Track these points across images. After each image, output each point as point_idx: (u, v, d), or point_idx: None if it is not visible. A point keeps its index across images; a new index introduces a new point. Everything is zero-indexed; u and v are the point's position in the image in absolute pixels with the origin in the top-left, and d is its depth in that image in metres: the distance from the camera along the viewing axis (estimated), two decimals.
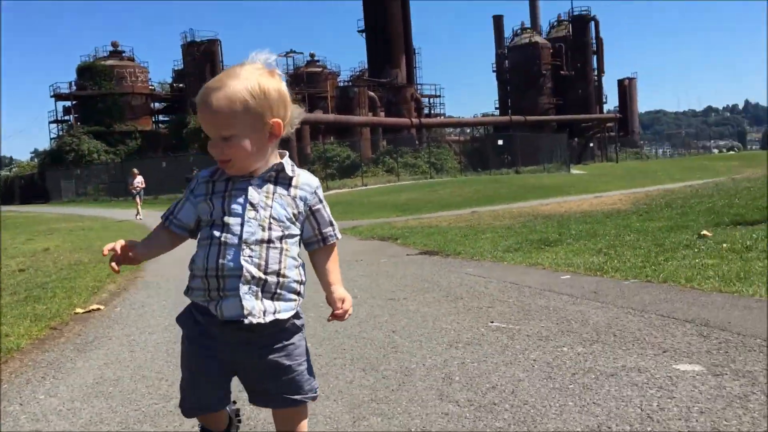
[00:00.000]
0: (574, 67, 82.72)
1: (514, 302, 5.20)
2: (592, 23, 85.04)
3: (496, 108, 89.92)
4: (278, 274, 1.96)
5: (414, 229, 12.80)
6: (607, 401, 2.87)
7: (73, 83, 65.95)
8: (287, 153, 2.08)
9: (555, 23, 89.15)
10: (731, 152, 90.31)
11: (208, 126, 1.94)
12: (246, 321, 1.93)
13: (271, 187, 2.00)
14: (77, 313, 5.95)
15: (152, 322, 5.43)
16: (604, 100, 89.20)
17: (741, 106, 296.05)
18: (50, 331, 5.25)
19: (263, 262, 1.93)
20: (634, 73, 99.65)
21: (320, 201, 2.09)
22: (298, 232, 2.04)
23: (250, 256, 1.92)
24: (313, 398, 2.09)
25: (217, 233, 1.95)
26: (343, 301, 2.10)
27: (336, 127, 56.30)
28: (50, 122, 68.84)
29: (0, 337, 4.87)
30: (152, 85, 70.17)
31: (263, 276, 1.93)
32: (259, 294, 1.94)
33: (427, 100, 74.69)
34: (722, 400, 2.78)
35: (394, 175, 45.66)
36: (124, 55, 67.94)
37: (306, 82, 68.08)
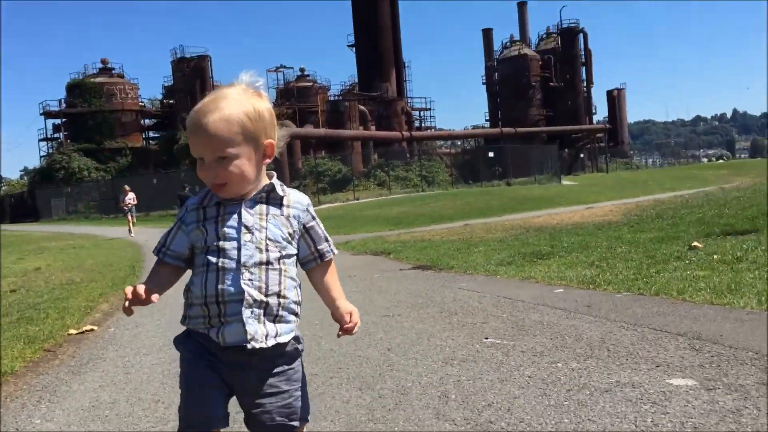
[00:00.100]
0: (564, 79, 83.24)
1: (508, 317, 5.23)
2: (581, 35, 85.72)
3: (486, 120, 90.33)
4: (279, 295, 1.94)
5: (407, 243, 12.82)
6: (602, 417, 2.89)
7: (62, 101, 65.90)
8: (275, 173, 2.07)
9: (544, 35, 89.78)
10: (720, 161, 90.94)
11: (202, 148, 1.91)
12: (249, 346, 1.91)
13: (263, 208, 1.98)
14: (71, 335, 5.94)
15: (147, 343, 5.43)
16: (594, 111, 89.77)
17: (729, 114, 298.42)
18: (44, 353, 5.23)
19: (264, 285, 1.92)
20: (623, 84, 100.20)
21: (313, 218, 2.08)
22: (294, 251, 2.02)
23: (250, 280, 1.90)
24: (307, 422, 2.09)
25: (213, 259, 1.92)
26: (351, 315, 2.09)
27: (327, 142, 56.40)
28: (40, 140, 68.76)
29: None
30: (142, 102, 70.18)
31: (264, 299, 1.92)
32: (261, 317, 1.92)
33: (417, 113, 74.94)
34: (715, 414, 2.81)
35: (386, 188, 45.74)
36: (113, 72, 67.96)
37: (296, 96, 68.33)
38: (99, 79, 65.57)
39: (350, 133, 55.12)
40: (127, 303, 1.94)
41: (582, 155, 77.47)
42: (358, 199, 39.02)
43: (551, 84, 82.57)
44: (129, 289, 1.93)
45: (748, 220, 9.87)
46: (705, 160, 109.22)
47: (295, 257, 2.03)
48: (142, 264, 12.40)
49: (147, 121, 72.15)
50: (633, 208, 16.64)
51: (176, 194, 28.98)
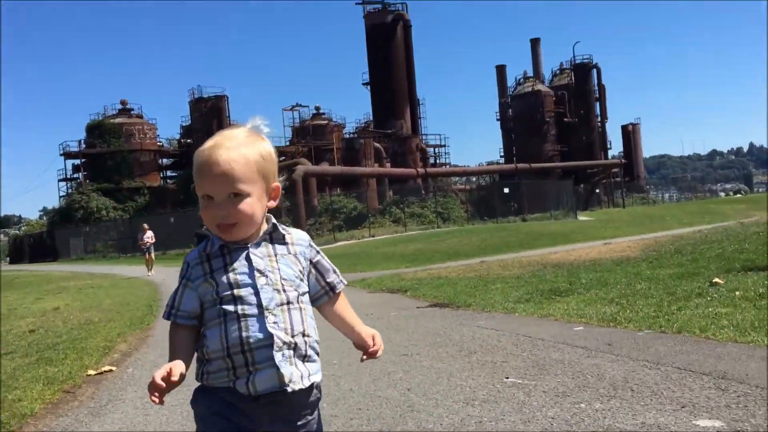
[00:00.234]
0: (578, 114, 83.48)
1: (528, 356, 5.17)
2: (594, 71, 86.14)
3: (500, 156, 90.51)
4: (303, 334, 1.91)
5: (423, 281, 12.78)
6: None
7: (82, 141, 66.94)
8: (272, 216, 2.03)
9: (557, 71, 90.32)
10: (738, 195, 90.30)
11: (215, 184, 1.87)
12: (289, 389, 1.86)
13: (270, 248, 1.96)
14: (89, 375, 5.94)
15: None
16: (609, 146, 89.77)
17: (746, 148, 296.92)
18: (63, 394, 5.24)
19: (289, 326, 1.88)
20: (638, 119, 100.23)
21: (318, 252, 2.06)
22: (307, 289, 2.00)
23: (275, 322, 1.86)
24: None
25: (230, 308, 1.86)
26: (373, 338, 2.06)
27: (342, 179, 56.69)
28: (60, 180, 69.70)
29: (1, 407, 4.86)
30: (160, 142, 71.09)
31: (292, 339, 1.88)
32: (292, 358, 1.88)
33: (432, 149, 75.33)
34: None
35: (401, 225, 45.73)
36: (132, 112, 69.03)
37: (312, 134, 68.99)
38: (118, 120, 66.62)
39: (365, 170, 55.41)
40: (156, 397, 1.86)
41: (598, 190, 77.22)
42: (373, 236, 39.02)
43: (565, 119, 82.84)
44: (159, 376, 1.83)
45: None
46: (722, 194, 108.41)
47: (308, 294, 2.00)
48: (159, 303, 12.43)
49: (165, 160, 73.01)
50: (651, 244, 16.50)
51: (193, 232, 29.13)
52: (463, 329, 6.83)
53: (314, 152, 63.66)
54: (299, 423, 1.93)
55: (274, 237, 1.98)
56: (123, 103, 69.01)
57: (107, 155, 64.40)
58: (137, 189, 64.74)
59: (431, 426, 3.60)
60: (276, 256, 1.95)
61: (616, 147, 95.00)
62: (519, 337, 6.01)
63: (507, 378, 4.52)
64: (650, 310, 6.57)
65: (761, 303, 6.18)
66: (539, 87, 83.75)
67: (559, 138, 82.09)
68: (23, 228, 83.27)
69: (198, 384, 1.96)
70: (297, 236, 2.03)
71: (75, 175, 68.94)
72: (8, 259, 77.06)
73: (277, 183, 2.00)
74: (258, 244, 1.94)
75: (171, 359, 1.92)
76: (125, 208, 62.06)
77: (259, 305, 1.87)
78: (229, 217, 1.88)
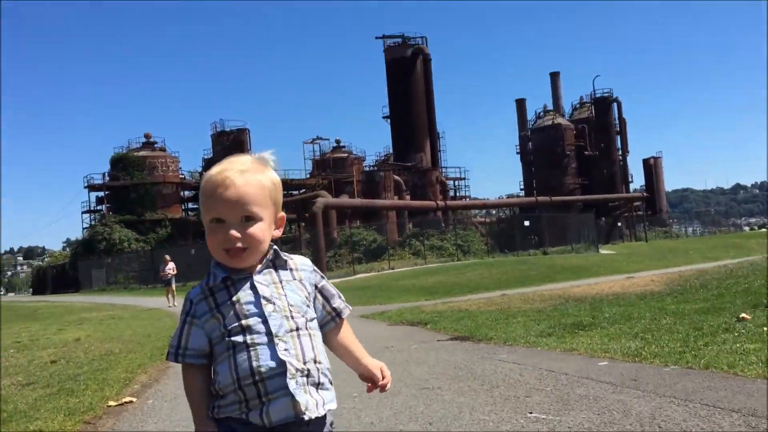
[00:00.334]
0: (598, 148, 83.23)
1: (551, 391, 5.09)
2: (615, 104, 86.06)
3: (521, 189, 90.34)
4: (315, 361, 1.86)
5: (443, 314, 12.69)
6: None
7: (106, 174, 67.90)
8: (273, 244, 1.98)
9: (577, 105, 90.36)
10: (763, 229, 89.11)
11: (228, 207, 1.84)
12: (306, 417, 1.80)
13: (274, 275, 1.92)
14: (110, 406, 5.93)
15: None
16: (630, 180, 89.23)
17: None
18: (84, 425, 5.23)
19: (300, 352, 1.84)
20: (659, 152, 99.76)
21: (322, 277, 2.03)
22: (314, 315, 1.96)
23: (286, 350, 1.82)
24: None
25: (239, 339, 1.82)
26: (381, 370, 2.03)
27: (362, 211, 56.83)
28: (83, 212, 70.57)
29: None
30: (182, 174, 71.87)
31: (304, 366, 1.83)
32: (306, 386, 1.83)
33: (452, 182, 75.37)
34: None
35: (421, 257, 45.57)
36: (156, 146, 70.01)
37: (332, 167, 69.38)
38: (142, 153, 67.59)
39: (385, 202, 55.50)
40: None
41: (619, 224, 76.61)
42: (393, 269, 38.91)
43: (586, 153, 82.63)
44: None
45: None
46: (747, 228, 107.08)
47: (315, 320, 1.96)
48: None
49: (187, 192, 73.68)
50: (675, 278, 16.29)
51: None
52: (484, 363, 6.75)
53: (334, 185, 63.97)
54: None
55: (277, 263, 1.94)
56: (147, 136, 70.08)
57: (130, 188, 65.24)
58: (159, 221, 65.33)
59: None
60: (281, 282, 1.91)
61: (637, 180, 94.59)
62: (542, 372, 5.92)
63: (531, 413, 4.44)
64: (676, 345, 6.46)
65: None
66: (559, 120, 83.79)
67: (579, 171, 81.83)
68: (46, 259, 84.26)
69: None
70: (300, 262, 2.00)
71: (98, 207, 69.79)
72: (31, 290, 77.90)
73: (283, 213, 1.99)
74: (261, 272, 1.91)
75: (194, 411, 1.89)
76: (147, 239, 62.59)
77: (269, 333, 1.83)
78: (240, 240, 1.84)
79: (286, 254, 1.99)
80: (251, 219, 1.86)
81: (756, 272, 14.03)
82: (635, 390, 4.83)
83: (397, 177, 59.93)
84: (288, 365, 1.81)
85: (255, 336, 1.82)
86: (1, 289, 79.94)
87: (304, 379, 1.83)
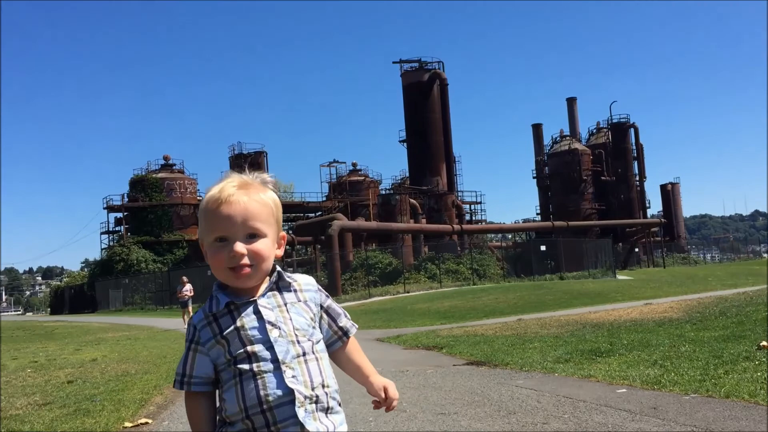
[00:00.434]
0: (615, 173, 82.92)
1: (570, 418, 5.03)
2: (632, 130, 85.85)
3: (537, 213, 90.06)
4: (323, 385, 1.83)
5: (459, 338, 12.62)
6: None
7: (125, 195, 68.62)
8: (276, 265, 1.96)
9: (594, 130, 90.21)
10: None
11: (232, 224, 1.81)
12: None
13: (278, 298, 1.88)
14: (126, 428, 5.94)
15: None
16: (648, 205, 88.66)
17: None
18: None
19: (308, 378, 1.80)
20: (677, 178, 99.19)
21: (327, 296, 2.00)
22: (321, 335, 1.93)
23: (294, 376, 1.78)
24: None
25: (245, 366, 1.78)
26: (386, 389, 2.00)
27: (378, 234, 56.87)
28: (102, 233, 71.23)
29: None
30: (200, 196, 72.39)
31: (312, 392, 1.79)
32: (315, 413, 1.79)
33: (468, 206, 75.30)
34: None
35: (437, 281, 45.43)
36: (174, 168, 70.77)
37: (348, 190, 69.66)
38: (161, 175, 68.32)
39: (401, 226, 55.50)
40: None
41: (637, 249, 76.01)
42: (408, 292, 38.78)
43: (603, 178, 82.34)
44: None
45: None
46: (766, 255, 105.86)
47: (322, 341, 1.93)
48: None
49: None
50: (694, 305, 16.11)
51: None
52: (501, 388, 6.69)
53: (350, 208, 64.18)
54: None
55: (281, 285, 1.91)
56: (166, 158, 70.86)
57: (148, 209, 65.85)
58: (176, 242, 65.75)
59: None
60: (286, 305, 1.88)
61: (655, 206, 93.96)
62: (559, 398, 5.86)
63: None
64: (696, 373, 6.38)
65: None
66: (576, 145, 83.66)
67: (596, 196, 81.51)
68: (65, 279, 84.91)
69: None
70: (304, 281, 1.96)
71: (117, 228, 70.44)
72: (49, 309, 78.47)
73: (284, 232, 1.97)
74: (265, 295, 1.87)
75: None
76: (164, 260, 62.97)
77: (275, 360, 1.79)
78: (246, 257, 1.82)
79: (290, 275, 1.96)
80: (256, 236, 1.84)
81: None
82: (655, 418, 4.77)
83: (413, 200, 59.98)
84: (296, 393, 1.77)
85: (261, 363, 1.78)
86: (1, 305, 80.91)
87: (313, 405, 1.79)
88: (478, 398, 6.23)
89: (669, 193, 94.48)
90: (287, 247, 64.79)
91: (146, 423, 6.14)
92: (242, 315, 1.83)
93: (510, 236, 75.26)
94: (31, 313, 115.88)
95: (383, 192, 66.96)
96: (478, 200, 77.66)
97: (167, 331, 22.70)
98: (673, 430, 4.37)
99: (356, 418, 5.06)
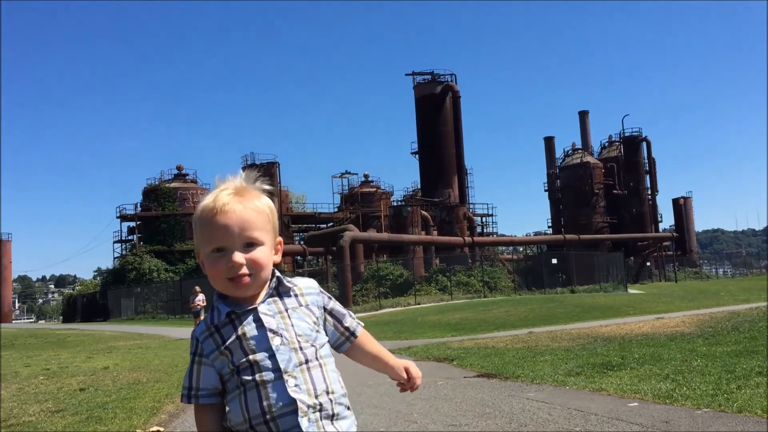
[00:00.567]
0: (627, 187, 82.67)
1: (581, 431, 5.03)
2: (644, 144, 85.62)
3: (548, 227, 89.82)
4: (328, 392, 1.81)
5: (470, 350, 12.60)
6: None
7: (138, 205, 69.05)
8: (275, 270, 1.93)
9: (606, 144, 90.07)
10: None
11: (229, 233, 1.80)
12: None
13: (279, 304, 1.86)
14: None
15: None
16: (660, 219, 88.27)
17: None
18: None
19: (311, 386, 1.78)
20: (689, 192, 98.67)
21: (330, 298, 1.98)
22: (325, 339, 1.91)
23: (296, 385, 1.77)
24: None
25: (248, 377, 1.77)
26: (407, 370, 2.03)
27: (389, 246, 56.85)
28: (115, 242, 71.64)
29: None
30: None
31: (316, 401, 1.77)
32: (320, 421, 1.77)
33: (479, 219, 75.22)
34: None
35: (447, 293, 45.36)
36: (187, 177, 71.18)
37: (360, 201, 69.80)
38: (174, 184, 68.75)
39: (412, 237, 55.49)
40: None
41: (648, 264, 75.58)
42: (419, 304, 38.72)
43: (615, 191, 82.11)
44: None
45: None
46: None
47: (327, 344, 1.92)
48: None
49: None
50: (707, 320, 16.00)
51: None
52: (512, 401, 6.69)
53: (362, 219, 64.26)
54: None
55: (281, 291, 1.89)
56: (179, 168, 71.30)
57: (161, 218, 66.21)
58: (189, 251, 65.97)
59: None
60: (287, 311, 1.86)
61: (667, 220, 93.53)
62: (571, 411, 5.85)
63: None
64: (708, 387, 6.35)
65: None
66: (588, 158, 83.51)
67: (608, 210, 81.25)
68: (77, 287, 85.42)
69: None
70: (305, 285, 1.95)
71: (130, 237, 70.84)
72: (61, 317, 78.87)
73: (281, 238, 1.96)
74: (265, 302, 1.86)
75: None
76: (176, 270, 63.22)
77: (277, 369, 1.78)
78: (245, 267, 1.80)
79: (290, 279, 1.94)
80: (253, 244, 1.83)
81: None
82: None
83: (424, 212, 60.00)
84: (299, 402, 1.76)
85: (264, 373, 1.77)
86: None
87: (317, 414, 1.77)
88: (489, 410, 6.23)
89: (681, 207, 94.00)
90: (299, 257, 65.04)
91: (158, 431, 6.18)
92: (243, 324, 1.82)
93: (521, 249, 75.08)
94: (43, 321, 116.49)
95: (395, 203, 67.05)
96: (490, 212, 77.55)
97: (179, 340, 22.76)
98: None
99: (367, 428, 5.09)
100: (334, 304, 1.98)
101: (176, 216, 66.35)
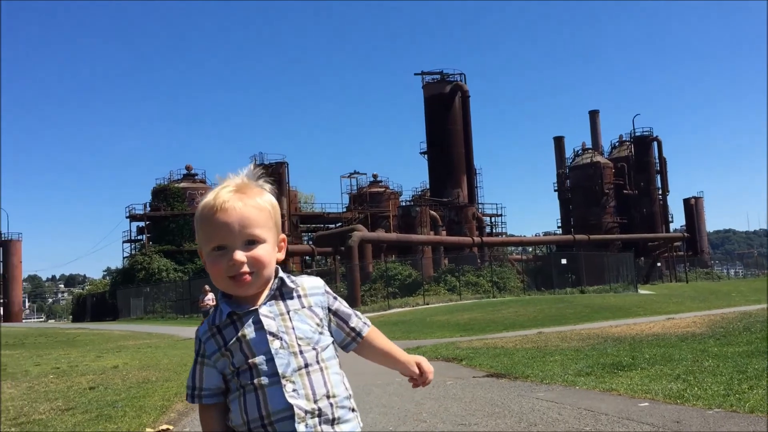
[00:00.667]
0: (638, 186, 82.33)
1: (591, 431, 5.00)
2: (655, 143, 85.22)
3: (558, 227, 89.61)
4: (328, 396, 1.78)
5: (479, 350, 12.56)
6: None
7: (147, 205, 69.34)
8: (279, 268, 1.91)
9: (616, 143, 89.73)
10: None
11: (230, 231, 1.78)
12: None
13: (281, 306, 1.83)
14: None
15: None
16: (671, 219, 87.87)
17: None
18: None
19: (310, 391, 1.75)
20: (701, 192, 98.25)
21: (335, 298, 1.94)
22: (329, 340, 1.87)
23: (294, 390, 1.74)
24: None
25: (247, 380, 1.76)
26: (419, 365, 2.01)
27: (398, 246, 56.85)
28: (124, 242, 71.99)
29: None
30: None
31: (315, 406, 1.75)
32: (318, 426, 1.74)
33: (488, 218, 75.10)
34: None
35: (456, 293, 45.30)
36: (196, 177, 71.42)
37: (369, 201, 69.87)
38: (182, 184, 69.01)
39: (421, 237, 55.47)
40: None
41: (659, 264, 75.25)
42: (428, 304, 38.69)
43: (625, 191, 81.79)
44: None
45: None
46: None
47: (331, 345, 1.88)
48: None
49: None
50: (718, 320, 15.91)
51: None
52: (521, 401, 6.66)
53: (371, 219, 64.30)
54: None
55: (284, 292, 1.86)
56: (188, 168, 71.56)
57: (170, 218, 66.46)
58: (197, 251, 66.24)
59: None
60: (288, 313, 1.83)
61: (678, 220, 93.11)
62: (581, 411, 5.82)
63: None
64: (719, 388, 6.30)
65: None
66: (598, 158, 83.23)
67: (618, 210, 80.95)
68: (87, 287, 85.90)
69: None
70: (310, 285, 1.91)
71: (139, 237, 71.15)
72: (71, 317, 79.33)
73: (284, 235, 1.93)
74: (267, 303, 1.83)
75: None
76: (185, 269, 63.43)
77: (275, 373, 1.75)
78: (246, 265, 1.78)
79: (294, 279, 1.91)
80: (255, 242, 1.80)
81: None
82: None
83: (433, 212, 59.96)
84: (295, 408, 1.73)
85: (262, 377, 1.75)
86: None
87: (316, 420, 1.75)
88: (499, 410, 6.20)
89: (692, 208, 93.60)
90: (307, 257, 65.13)
91: (167, 429, 6.19)
92: (244, 325, 1.80)
93: (530, 249, 74.93)
94: (53, 321, 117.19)
95: (403, 203, 67.04)
96: (499, 212, 77.46)
97: (188, 339, 22.81)
98: None
99: (376, 428, 5.07)
100: (340, 305, 1.95)
101: (185, 216, 66.50)
